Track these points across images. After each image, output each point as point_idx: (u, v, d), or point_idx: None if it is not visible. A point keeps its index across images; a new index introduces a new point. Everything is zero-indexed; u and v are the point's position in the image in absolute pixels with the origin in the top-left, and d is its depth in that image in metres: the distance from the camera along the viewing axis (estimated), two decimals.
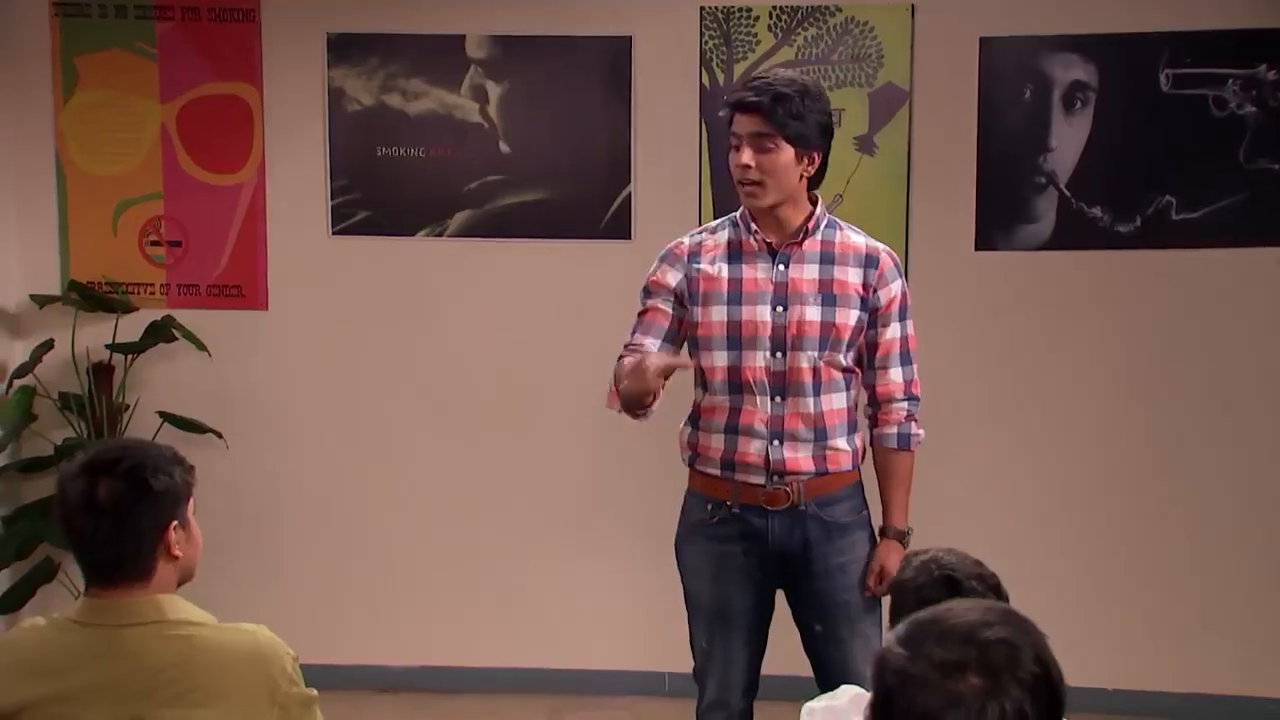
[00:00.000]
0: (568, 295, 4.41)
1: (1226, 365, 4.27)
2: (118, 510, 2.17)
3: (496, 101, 4.37)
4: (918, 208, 4.29)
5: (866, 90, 4.26)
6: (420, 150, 4.40)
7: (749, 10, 4.26)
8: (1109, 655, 4.24)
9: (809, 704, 2.26)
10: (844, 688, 2.24)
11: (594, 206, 4.38)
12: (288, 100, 4.39)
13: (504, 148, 4.38)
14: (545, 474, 4.46)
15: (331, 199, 4.42)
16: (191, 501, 2.29)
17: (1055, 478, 4.34)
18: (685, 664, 4.40)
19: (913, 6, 4.24)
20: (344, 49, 4.37)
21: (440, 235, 4.42)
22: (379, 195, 4.42)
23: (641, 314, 3.02)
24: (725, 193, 4.31)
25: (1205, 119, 4.17)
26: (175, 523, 2.23)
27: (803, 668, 3.09)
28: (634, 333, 3.03)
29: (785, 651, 3.11)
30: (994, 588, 2.19)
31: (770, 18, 4.27)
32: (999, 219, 4.28)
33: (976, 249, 4.29)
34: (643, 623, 4.45)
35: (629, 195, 4.36)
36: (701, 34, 4.29)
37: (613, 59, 4.33)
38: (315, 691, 2.31)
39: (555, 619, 4.50)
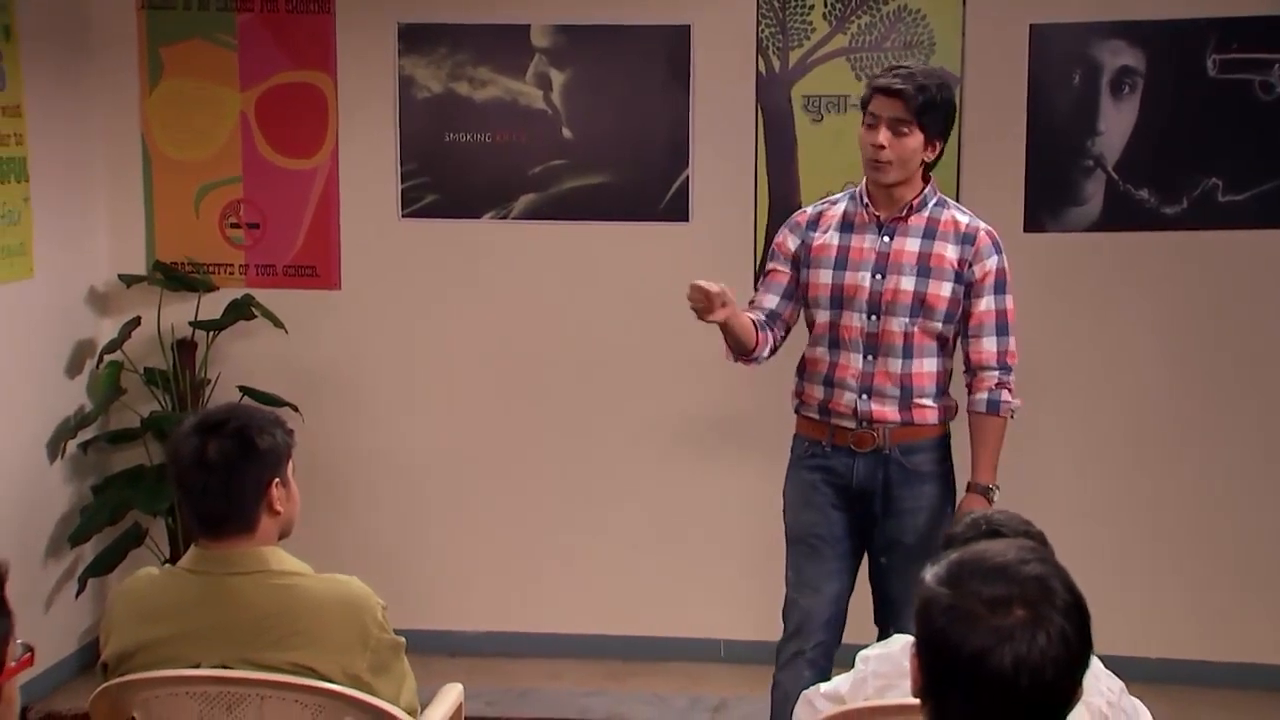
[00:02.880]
0: (628, 275, 4.53)
1: (1271, 343, 4.34)
2: (226, 467, 2.34)
3: (560, 88, 4.50)
4: (968, 190, 4.37)
5: None
6: (486, 136, 4.53)
7: None
8: (1152, 625, 4.34)
9: (864, 651, 2.40)
10: (896, 636, 2.37)
11: (653, 189, 4.50)
12: (360, 88, 4.52)
13: (567, 133, 4.52)
14: (604, 448, 4.58)
15: (401, 183, 4.56)
16: (291, 461, 2.47)
17: (1100, 453, 4.43)
18: (741, 632, 4.59)
19: None
20: (414, 39, 4.51)
21: (505, 218, 4.55)
22: (447, 179, 4.56)
23: (765, 274, 3.36)
24: (781, 176, 4.45)
25: (1251, 103, 4.23)
26: (277, 480, 2.40)
27: (860, 637, 3.26)
28: (757, 290, 3.38)
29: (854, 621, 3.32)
30: (1042, 544, 2.32)
31: (825, 6, 4.36)
32: (1048, 201, 4.37)
33: (1025, 230, 4.36)
34: (700, 591, 4.59)
35: (687, 178, 4.48)
36: (758, 22, 4.40)
37: (672, 47, 4.45)
38: (403, 639, 2.49)
39: (616, 587, 4.62)
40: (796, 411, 3.34)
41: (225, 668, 2.33)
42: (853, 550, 3.28)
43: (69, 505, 4.42)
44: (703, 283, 3.06)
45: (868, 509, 3.23)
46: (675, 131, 4.47)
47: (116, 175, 4.57)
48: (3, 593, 1.64)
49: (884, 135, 3.11)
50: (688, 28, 4.44)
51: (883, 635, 3.18)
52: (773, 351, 3.31)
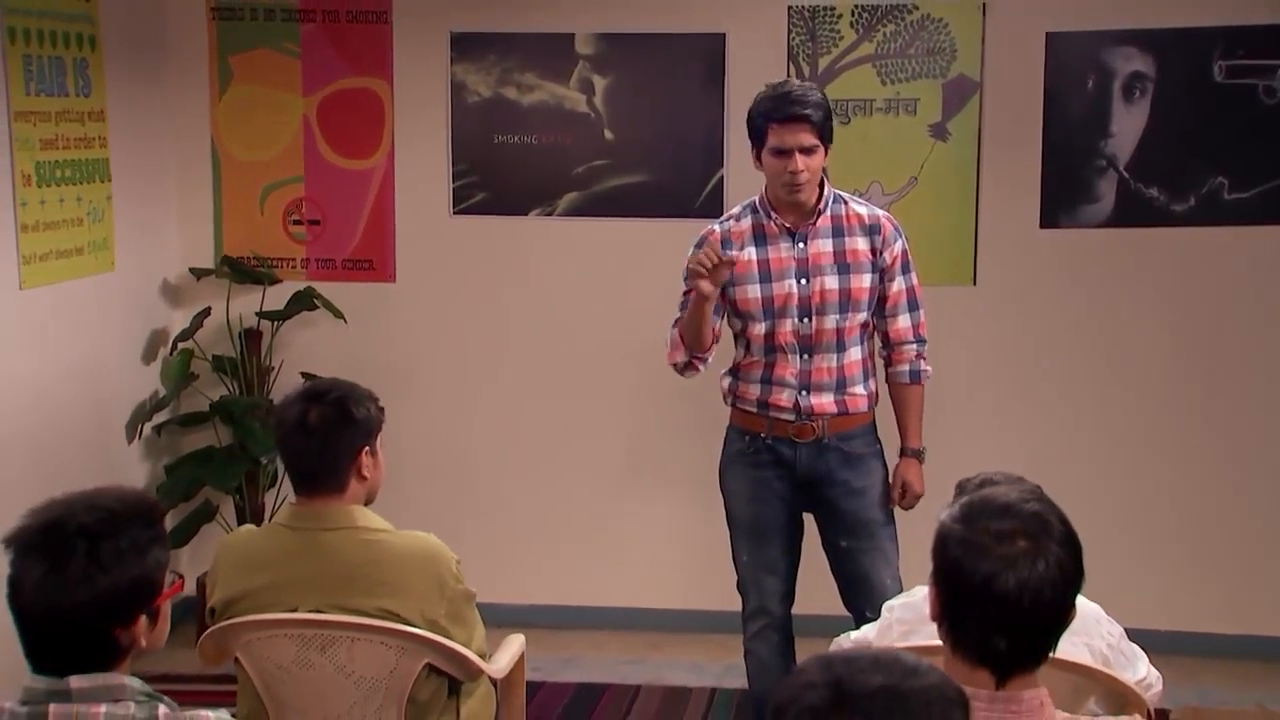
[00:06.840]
0: (665, 269, 4.74)
1: (1274, 332, 4.55)
2: (324, 431, 2.61)
3: (602, 93, 4.75)
4: (987, 189, 4.60)
5: (940, 81, 4.59)
6: (533, 138, 4.78)
7: (833, 9, 4.60)
8: (1163, 598, 4.55)
9: (889, 602, 2.64)
10: (918, 588, 2.56)
11: (690, 188, 4.74)
12: (415, 93, 4.77)
13: (608, 135, 4.76)
14: (647, 432, 4.81)
15: (453, 182, 4.81)
16: (381, 435, 2.72)
17: (1114, 440, 4.64)
18: None
19: (984, 4, 4.54)
20: (466, 46, 4.77)
21: (550, 215, 4.80)
22: (495, 178, 4.81)
23: (687, 293, 3.42)
24: None
25: (1256, 106, 4.45)
26: (367, 448, 2.66)
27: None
28: (681, 309, 3.47)
29: (833, 595, 3.56)
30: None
31: (852, 15, 4.59)
32: (1062, 199, 4.58)
33: (1041, 227, 4.59)
34: None
35: (722, 177, 4.70)
36: (789, 31, 4.62)
37: (708, 54, 4.69)
38: (474, 591, 2.76)
39: (657, 561, 4.85)
40: (732, 405, 3.55)
41: (319, 612, 2.59)
42: (797, 530, 3.54)
43: (144, 483, 4.69)
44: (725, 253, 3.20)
45: (814, 493, 3.47)
46: (711, 133, 4.72)
47: (188, 175, 4.85)
48: (162, 527, 1.93)
49: (800, 161, 3.28)
50: (723, 36, 4.68)
51: (857, 618, 3.39)
52: (708, 361, 3.51)
